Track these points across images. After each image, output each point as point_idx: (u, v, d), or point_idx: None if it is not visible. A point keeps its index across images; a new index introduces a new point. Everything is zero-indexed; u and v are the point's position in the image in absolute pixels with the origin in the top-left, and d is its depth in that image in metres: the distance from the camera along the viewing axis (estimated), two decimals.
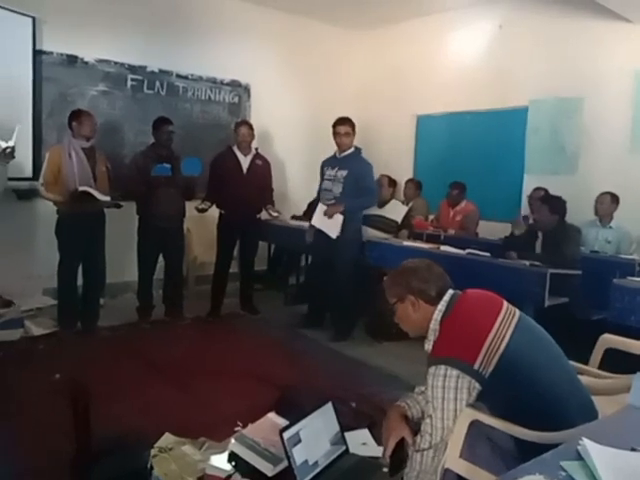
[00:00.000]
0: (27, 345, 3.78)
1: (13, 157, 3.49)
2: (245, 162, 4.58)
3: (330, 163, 4.27)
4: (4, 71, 4.28)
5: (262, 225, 4.87)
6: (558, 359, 1.70)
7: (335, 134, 4.17)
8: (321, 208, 4.20)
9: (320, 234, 4.19)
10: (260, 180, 4.63)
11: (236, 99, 5.88)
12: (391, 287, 1.89)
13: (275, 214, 4.74)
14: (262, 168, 4.67)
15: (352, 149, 4.20)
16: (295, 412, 2.29)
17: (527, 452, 1.40)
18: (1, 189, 3.58)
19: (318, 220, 4.20)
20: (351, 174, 4.09)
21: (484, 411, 1.63)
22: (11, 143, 3.45)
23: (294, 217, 5.47)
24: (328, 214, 4.11)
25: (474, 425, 1.61)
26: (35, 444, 2.43)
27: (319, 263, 4.41)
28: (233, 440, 2.22)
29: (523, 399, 1.58)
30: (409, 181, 5.78)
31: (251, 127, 4.63)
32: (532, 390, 1.58)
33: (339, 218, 4.07)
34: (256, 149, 4.70)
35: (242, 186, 4.47)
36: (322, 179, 4.31)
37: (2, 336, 3.82)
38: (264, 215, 4.83)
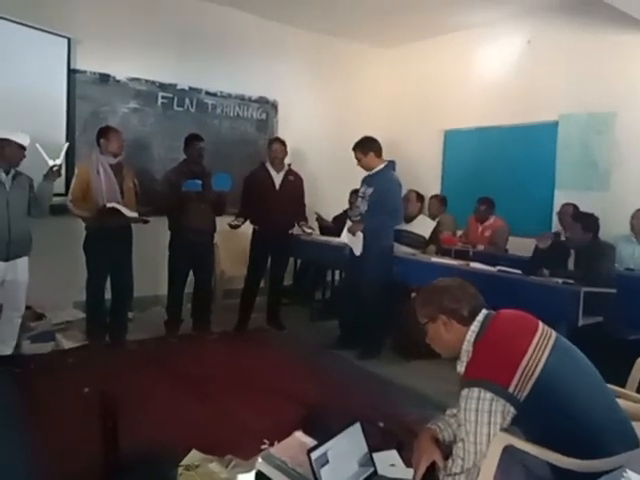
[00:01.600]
0: (57, 358, 3.84)
1: (60, 175, 3.60)
2: (278, 178, 4.61)
3: (364, 180, 4.26)
4: (41, 90, 4.41)
5: (295, 240, 4.89)
6: (597, 383, 1.65)
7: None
8: (348, 224, 4.22)
9: (351, 251, 4.19)
10: (293, 196, 4.66)
11: (264, 115, 5.94)
12: (422, 307, 1.85)
13: (308, 230, 4.75)
14: (294, 184, 4.70)
15: (381, 166, 4.16)
16: (322, 431, 2.26)
17: None
18: (47, 206, 3.67)
19: (345, 236, 4.22)
20: (376, 192, 4.07)
21: (519, 436, 1.58)
22: (58, 161, 3.55)
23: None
24: (350, 231, 4.14)
25: (508, 450, 1.56)
26: (64, 456, 2.44)
27: (348, 280, 4.38)
28: (260, 459, 2.19)
29: (560, 424, 1.53)
30: (433, 197, 5.72)
31: (284, 144, 4.67)
32: (569, 415, 1.53)
33: (360, 236, 4.07)
34: (289, 165, 4.73)
35: (275, 202, 4.51)
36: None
37: (34, 349, 3.89)
38: (296, 231, 4.84)
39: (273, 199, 4.53)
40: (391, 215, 4.10)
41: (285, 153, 4.66)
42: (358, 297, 4.14)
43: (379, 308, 4.10)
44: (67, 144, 3.69)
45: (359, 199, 4.23)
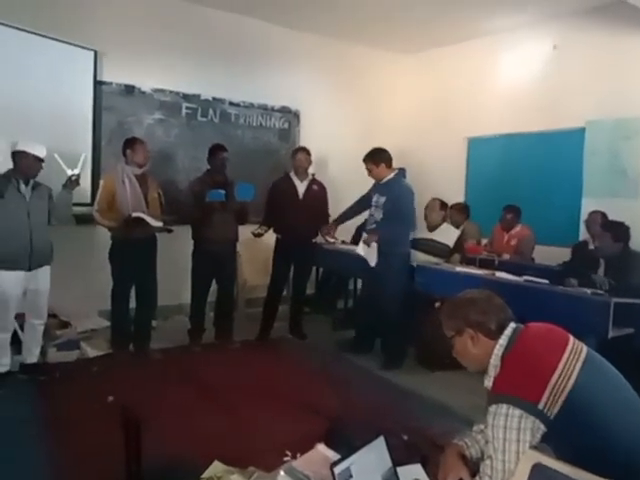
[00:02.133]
0: (82, 366, 3.88)
1: (78, 184, 3.65)
2: (301, 187, 4.62)
3: (375, 189, 4.30)
4: (67, 101, 4.50)
5: (318, 249, 4.87)
6: (630, 399, 1.59)
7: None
8: (364, 237, 4.23)
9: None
10: (316, 205, 4.66)
11: (286, 125, 5.96)
12: (449, 320, 1.82)
13: (332, 240, 4.70)
14: (318, 193, 4.70)
15: (392, 175, 4.20)
16: (345, 444, 2.23)
17: None
18: (67, 215, 3.72)
19: (361, 248, 4.20)
20: (389, 200, 4.11)
21: (549, 454, 1.53)
22: (77, 171, 3.60)
23: (343, 242, 5.45)
24: (365, 242, 4.14)
25: (537, 468, 1.51)
26: (86, 465, 2.46)
27: (368, 289, 4.37)
28: (282, 472, 2.17)
29: (592, 443, 1.48)
30: (454, 206, 5.63)
31: (308, 153, 4.69)
32: (602, 433, 1.48)
33: (375, 246, 4.09)
34: (313, 175, 4.73)
35: (298, 211, 4.51)
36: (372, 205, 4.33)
37: (59, 357, 3.95)
38: (319, 239, 4.82)
39: (296, 208, 4.54)
40: (405, 223, 4.12)
41: (309, 162, 4.67)
42: (377, 306, 4.14)
43: (399, 317, 4.09)
44: (84, 154, 3.73)
45: (373, 208, 4.25)
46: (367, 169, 4.23)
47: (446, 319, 1.83)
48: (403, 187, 4.18)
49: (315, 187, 4.69)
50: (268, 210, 4.66)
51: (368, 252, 4.13)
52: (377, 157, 4.19)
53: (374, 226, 4.20)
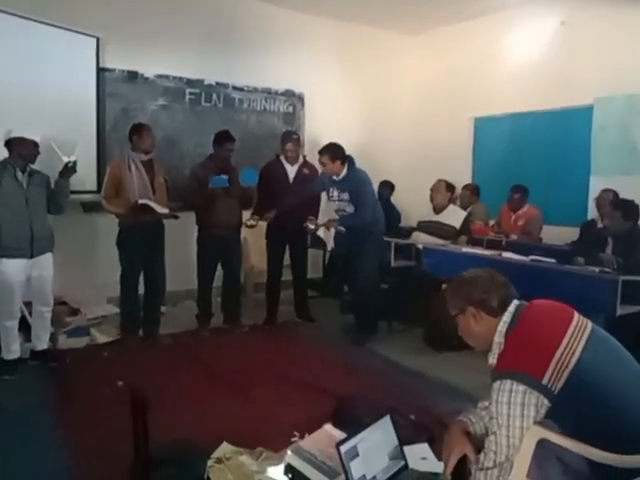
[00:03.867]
0: (92, 352, 3.92)
1: (75, 171, 3.64)
2: (292, 171, 4.60)
3: (332, 183, 4.29)
4: (71, 88, 4.48)
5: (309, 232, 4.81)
6: (636, 374, 1.57)
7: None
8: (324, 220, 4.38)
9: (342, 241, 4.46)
10: (307, 189, 4.60)
11: (290, 109, 5.92)
12: (451, 299, 1.82)
13: (312, 227, 4.44)
14: (309, 177, 4.64)
15: (344, 172, 4.17)
16: (352, 424, 2.24)
17: (602, 475, 1.30)
18: (65, 202, 3.72)
19: (321, 231, 4.46)
20: (354, 194, 4.18)
21: (554, 429, 1.52)
22: (73, 158, 3.59)
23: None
24: (327, 227, 4.31)
25: (542, 444, 1.50)
26: (97, 448, 2.49)
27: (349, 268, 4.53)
28: (290, 452, 2.19)
29: (597, 418, 1.47)
30: (465, 187, 5.61)
31: (298, 140, 4.68)
32: (607, 408, 1.47)
33: (332, 232, 4.39)
34: (304, 157, 4.70)
35: (288, 195, 4.45)
36: (323, 188, 4.42)
37: (70, 343, 3.99)
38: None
39: (286, 192, 4.47)
40: (358, 216, 4.18)
41: (298, 148, 4.65)
42: (354, 283, 4.44)
43: (373, 292, 4.32)
44: (79, 141, 3.72)
45: (340, 203, 4.27)
46: (320, 162, 4.22)
47: (449, 298, 1.83)
48: (359, 180, 4.21)
49: (306, 170, 4.65)
50: (260, 197, 4.54)
51: (327, 236, 4.43)
52: (333, 153, 4.14)
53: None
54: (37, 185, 3.51)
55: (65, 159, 3.57)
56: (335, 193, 4.29)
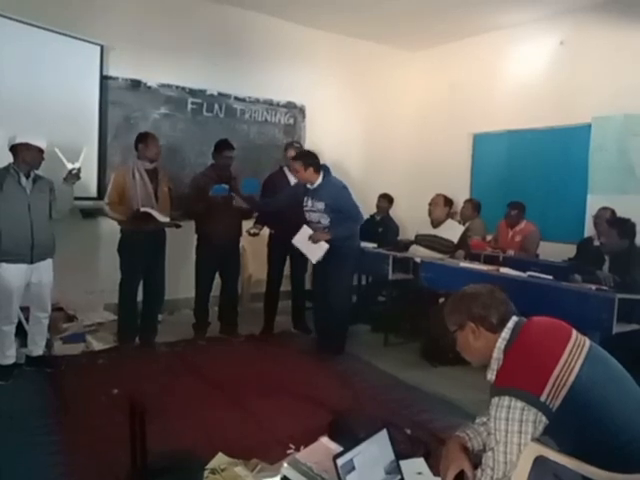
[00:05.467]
0: (88, 359, 3.90)
1: (79, 178, 3.65)
2: (294, 181, 4.60)
3: (307, 193, 4.15)
4: (74, 95, 4.52)
5: None
6: (633, 393, 1.59)
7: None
8: (305, 230, 4.12)
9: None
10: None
11: (291, 120, 5.96)
12: (451, 314, 1.83)
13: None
14: None
15: (319, 180, 4.07)
16: (348, 437, 2.24)
17: None
18: (68, 208, 3.74)
19: (300, 241, 4.13)
20: (329, 204, 4.03)
21: (551, 446, 1.53)
22: (77, 165, 3.61)
23: None
24: (314, 239, 4.04)
25: (539, 461, 1.51)
26: (92, 457, 2.48)
27: (321, 283, 4.26)
28: (286, 464, 2.18)
29: (594, 435, 1.48)
30: (467, 201, 5.65)
31: (300, 147, 4.68)
32: (604, 426, 1.48)
33: (324, 246, 4.02)
34: None
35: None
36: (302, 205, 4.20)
37: (65, 350, 3.98)
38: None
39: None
40: (354, 219, 4.10)
41: None
42: (327, 297, 4.13)
43: (345, 306, 4.19)
44: (85, 148, 3.74)
45: (314, 214, 4.12)
46: (294, 169, 4.12)
47: (448, 314, 1.84)
48: (337, 187, 4.10)
49: None
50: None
51: (311, 248, 4.07)
52: (307, 161, 4.04)
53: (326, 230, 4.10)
54: (41, 191, 3.52)
55: (69, 166, 3.59)
56: (309, 203, 4.15)
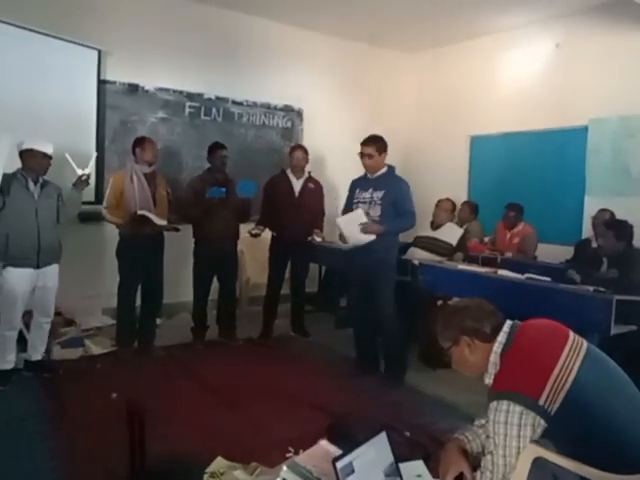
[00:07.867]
0: (86, 364, 3.90)
1: (88, 184, 3.67)
2: (297, 185, 4.63)
3: (362, 184, 3.85)
4: (72, 99, 4.53)
5: (313, 247, 4.81)
6: (632, 395, 1.59)
7: (360, 155, 3.76)
8: (358, 215, 3.72)
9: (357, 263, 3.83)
10: (312, 203, 4.65)
11: (289, 124, 5.97)
12: (443, 331, 1.81)
13: (318, 239, 4.58)
14: (314, 191, 4.70)
15: (385, 169, 3.80)
16: (347, 440, 2.24)
17: None
18: (74, 214, 3.75)
19: (347, 222, 3.77)
20: (388, 194, 3.70)
21: (550, 448, 1.53)
22: (87, 170, 3.62)
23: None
24: (366, 230, 3.66)
25: (538, 462, 1.51)
26: (91, 462, 2.47)
27: (362, 296, 3.87)
28: (285, 467, 2.18)
29: (593, 438, 1.48)
30: (465, 203, 5.66)
31: (306, 151, 4.68)
32: (603, 428, 1.48)
33: (370, 236, 3.67)
34: (309, 173, 4.73)
35: (293, 209, 4.51)
36: (352, 201, 3.89)
37: (63, 354, 3.97)
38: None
39: (291, 205, 4.53)
40: (407, 218, 3.76)
41: (306, 161, 4.67)
42: (374, 317, 3.81)
43: (397, 324, 3.81)
44: (96, 154, 3.76)
45: (364, 205, 3.77)
46: (366, 154, 3.72)
47: (441, 331, 1.82)
48: (401, 180, 3.83)
49: (311, 185, 4.69)
50: (264, 208, 4.64)
51: (357, 235, 3.69)
52: (381, 145, 3.73)
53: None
54: (48, 197, 3.53)
55: (79, 171, 3.59)
56: (366, 194, 3.78)
